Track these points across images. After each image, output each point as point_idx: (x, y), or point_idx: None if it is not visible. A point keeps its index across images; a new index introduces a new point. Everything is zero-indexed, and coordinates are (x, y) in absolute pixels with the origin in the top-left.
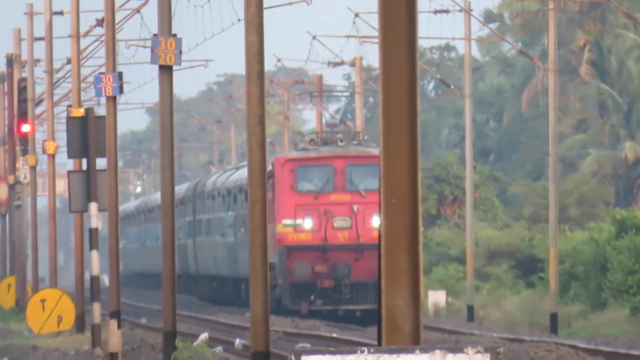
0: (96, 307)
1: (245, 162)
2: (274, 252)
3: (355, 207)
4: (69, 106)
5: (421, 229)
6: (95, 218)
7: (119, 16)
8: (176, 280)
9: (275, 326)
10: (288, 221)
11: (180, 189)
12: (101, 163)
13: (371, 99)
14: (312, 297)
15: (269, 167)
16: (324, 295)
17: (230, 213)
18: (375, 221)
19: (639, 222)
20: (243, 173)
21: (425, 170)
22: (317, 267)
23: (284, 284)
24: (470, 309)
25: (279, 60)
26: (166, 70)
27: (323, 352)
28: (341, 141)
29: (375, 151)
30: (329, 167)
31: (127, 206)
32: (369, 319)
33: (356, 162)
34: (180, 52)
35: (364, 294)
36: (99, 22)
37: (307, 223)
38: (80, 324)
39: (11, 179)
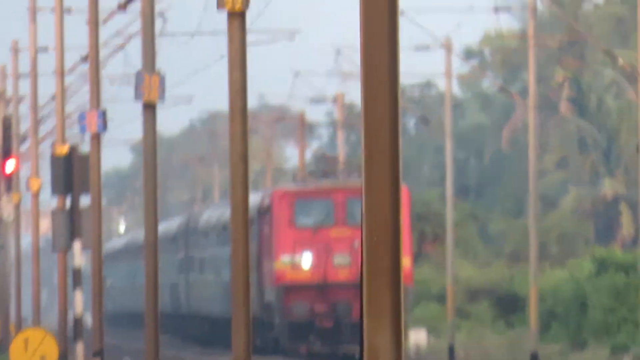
0: (79, 347)
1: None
2: (272, 291)
3: (356, 243)
4: (54, 143)
5: (402, 267)
6: (79, 256)
7: (103, 53)
8: (160, 320)
9: None
10: (286, 257)
11: (172, 224)
12: (85, 200)
13: (352, 137)
14: (310, 338)
15: (267, 201)
16: (324, 335)
17: (225, 250)
18: None
19: (618, 260)
20: None
21: None
22: (316, 306)
23: (282, 323)
24: (451, 349)
25: (262, 96)
26: (150, 108)
27: None
28: (341, 173)
29: None
30: (329, 201)
31: (115, 243)
32: None
33: (357, 196)
34: (164, 89)
35: None
36: (84, 59)
37: (306, 260)
38: None
39: None
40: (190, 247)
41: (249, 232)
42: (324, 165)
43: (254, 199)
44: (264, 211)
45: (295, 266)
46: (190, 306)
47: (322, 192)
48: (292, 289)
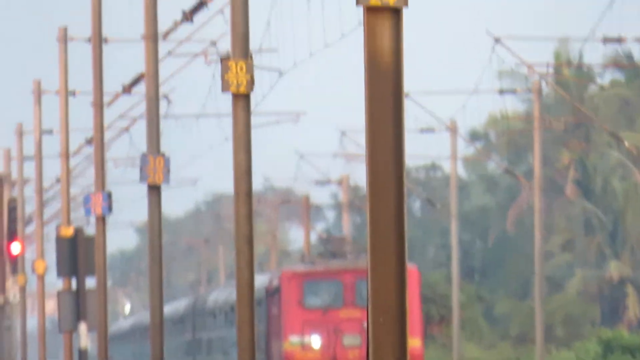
0: None
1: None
2: None
3: (365, 324)
4: (59, 225)
5: (412, 348)
6: (85, 337)
7: (107, 135)
8: None
9: None
10: (295, 338)
11: (179, 305)
12: (90, 282)
13: (358, 219)
14: None
15: (276, 282)
16: None
17: (233, 331)
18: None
19: (624, 342)
20: None
21: None
22: None
23: None
24: None
25: (267, 179)
26: (154, 190)
27: None
28: (350, 253)
29: None
30: (338, 282)
31: (121, 324)
32: None
33: (366, 277)
34: (169, 171)
35: None
36: (88, 141)
37: (316, 341)
38: None
39: (1, 299)
40: (197, 328)
41: (257, 312)
42: (332, 246)
43: (262, 279)
44: (273, 292)
45: (305, 347)
46: None
47: (331, 273)
48: None
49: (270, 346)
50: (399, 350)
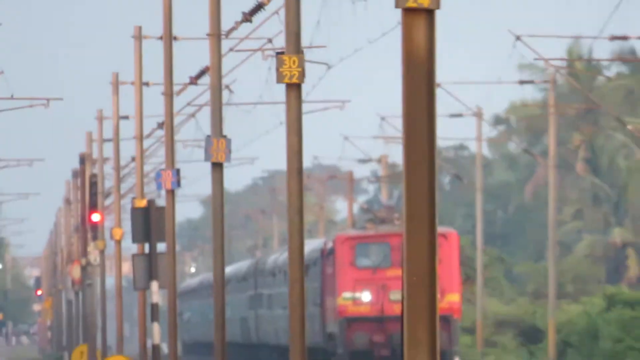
0: None
1: (308, 242)
2: (335, 323)
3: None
4: (134, 198)
5: (438, 302)
6: (156, 295)
7: (176, 120)
8: (232, 349)
9: None
10: (348, 294)
11: (242, 266)
12: (161, 247)
13: (395, 192)
14: None
15: (330, 244)
16: None
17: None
18: None
19: (625, 297)
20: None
21: None
22: (374, 337)
23: (344, 352)
24: None
25: (316, 158)
26: (217, 167)
27: None
28: (397, 219)
29: None
30: (386, 245)
31: (190, 282)
32: None
33: None
34: (230, 151)
35: None
36: (160, 125)
37: (366, 296)
38: None
39: (83, 261)
40: (258, 285)
41: (314, 272)
42: (381, 213)
43: (318, 243)
44: (328, 253)
45: (357, 301)
46: (258, 337)
47: (379, 236)
48: (353, 322)
49: (325, 301)
50: (429, 305)
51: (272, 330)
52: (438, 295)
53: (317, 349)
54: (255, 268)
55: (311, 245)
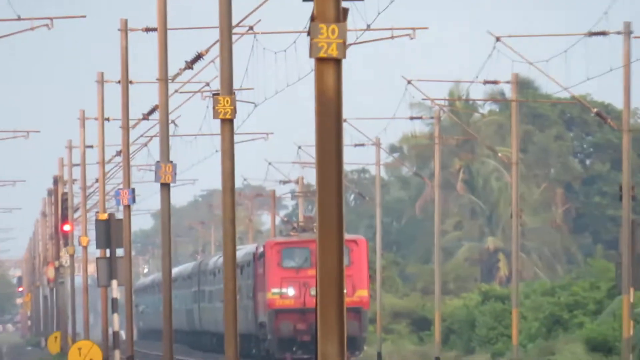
0: (117, 353)
1: (241, 247)
2: (265, 314)
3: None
4: (97, 212)
5: (345, 297)
6: (116, 290)
7: (132, 148)
8: (178, 334)
9: None
10: (276, 290)
11: (187, 267)
12: (120, 252)
13: (310, 206)
14: (294, 349)
15: (261, 249)
16: (304, 347)
17: None
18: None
19: (497, 293)
20: (239, 255)
21: None
22: (298, 325)
23: (272, 338)
24: (379, 355)
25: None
26: (165, 187)
27: None
28: (316, 228)
29: (346, 236)
30: (307, 249)
31: (144, 280)
32: None
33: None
34: (175, 174)
35: None
36: (118, 153)
37: (290, 291)
38: None
39: (57, 263)
40: (201, 283)
41: (247, 271)
42: (304, 223)
43: (251, 247)
44: (259, 256)
45: (283, 296)
46: (201, 325)
47: (301, 242)
48: (280, 313)
49: (257, 295)
50: (337, 299)
51: (212, 320)
52: (347, 291)
53: (250, 336)
54: (198, 269)
55: (245, 250)
